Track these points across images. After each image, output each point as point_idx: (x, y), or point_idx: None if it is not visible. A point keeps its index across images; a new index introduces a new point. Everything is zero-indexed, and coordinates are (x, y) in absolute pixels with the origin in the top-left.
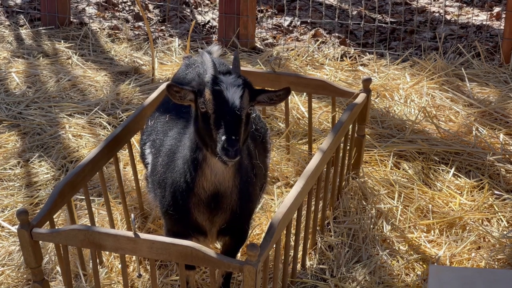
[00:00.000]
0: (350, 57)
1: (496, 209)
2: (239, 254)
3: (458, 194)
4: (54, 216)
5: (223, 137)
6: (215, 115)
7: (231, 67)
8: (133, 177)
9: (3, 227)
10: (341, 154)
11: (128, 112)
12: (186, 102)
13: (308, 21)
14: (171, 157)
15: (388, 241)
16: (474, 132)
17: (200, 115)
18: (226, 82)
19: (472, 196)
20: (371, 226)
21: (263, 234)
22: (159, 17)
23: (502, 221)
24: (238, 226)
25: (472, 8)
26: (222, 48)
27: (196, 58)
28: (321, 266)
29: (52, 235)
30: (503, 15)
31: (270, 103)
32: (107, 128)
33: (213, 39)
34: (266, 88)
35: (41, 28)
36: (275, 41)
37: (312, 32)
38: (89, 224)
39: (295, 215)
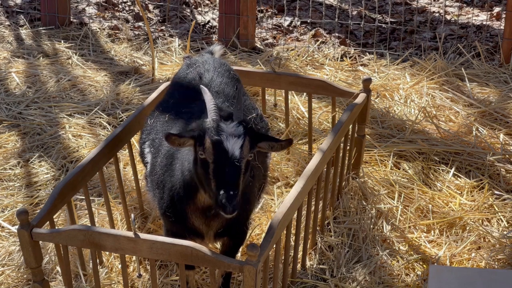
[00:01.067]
0: (350, 57)
1: (496, 209)
2: (239, 254)
3: (458, 194)
4: (54, 216)
5: (221, 192)
6: (214, 164)
7: (231, 69)
8: (133, 177)
9: (3, 227)
10: (341, 154)
11: (128, 112)
12: (186, 147)
13: (308, 21)
14: (170, 159)
15: (388, 241)
16: (474, 132)
17: (199, 161)
18: (227, 132)
19: (472, 196)
20: (371, 226)
21: (263, 234)
22: (159, 17)
23: (502, 221)
24: (236, 227)
25: (472, 8)
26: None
27: (197, 58)
28: (321, 266)
29: (52, 235)
30: (503, 15)
31: (271, 150)
32: (107, 128)
33: (213, 39)
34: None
35: (41, 28)
36: (275, 41)
37: (312, 32)
38: (89, 224)
39: (295, 215)
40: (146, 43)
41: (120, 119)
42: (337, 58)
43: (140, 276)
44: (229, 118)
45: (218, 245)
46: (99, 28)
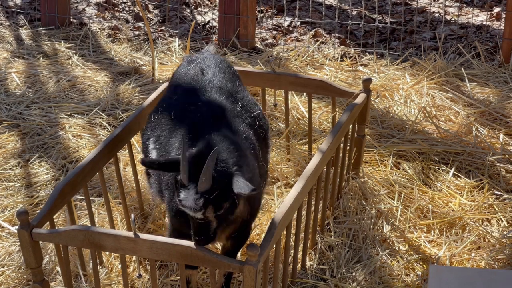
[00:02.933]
0: (350, 57)
1: (496, 209)
2: (239, 254)
3: (458, 194)
4: (54, 217)
5: (192, 234)
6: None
7: (231, 65)
8: (133, 177)
9: (3, 227)
10: (341, 154)
11: (128, 112)
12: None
13: (308, 21)
14: None
15: (388, 241)
16: (474, 132)
17: None
18: (187, 203)
19: (472, 196)
20: (371, 226)
21: (263, 234)
22: (159, 17)
23: (502, 221)
24: (246, 227)
25: (472, 8)
26: (217, 48)
27: (197, 55)
28: (321, 266)
29: (52, 236)
30: (503, 15)
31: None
32: (107, 128)
33: (213, 39)
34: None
35: (41, 28)
36: (275, 41)
37: (312, 32)
38: (89, 225)
39: (295, 215)
40: (146, 43)
41: (120, 119)
42: (337, 58)
43: (140, 276)
44: (194, 181)
45: (218, 245)
46: (99, 29)
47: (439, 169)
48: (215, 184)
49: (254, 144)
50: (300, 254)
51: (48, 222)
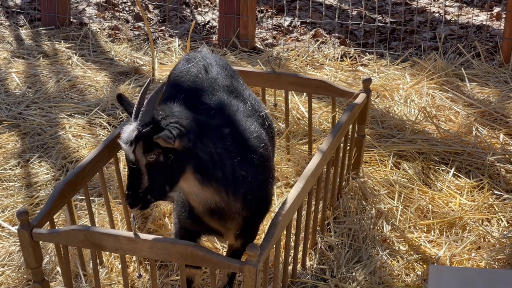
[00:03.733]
0: (350, 57)
1: (496, 209)
2: None
3: (458, 194)
4: (54, 217)
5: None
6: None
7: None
8: None
9: (3, 227)
10: (341, 154)
11: None
12: None
13: (308, 21)
14: None
15: (388, 241)
16: (474, 132)
17: None
18: (125, 134)
19: (472, 196)
20: (371, 226)
21: (263, 234)
22: (159, 17)
23: (502, 221)
24: (253, 227)
25: (472, 8)
26: (217, 47)
27: (195, 53)
28: (321, 266)
29: (52, 236)
30: (503, 15)
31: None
32: (107, 128)
33: (213, 39)
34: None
35: (41, 28)
36: (275, 41)
37: (312, 32)
38: (89, 225)
39: (295, 215)
40: (146, 43)
41: (120, 119)
42: (337, 58)
43: (140, 276)
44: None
45: (218, 245)
46: (99, 29)
47: (439, 169)
48: (153, 122)
49: (266, 144)
50: (300, 254)
51: (48, 222)
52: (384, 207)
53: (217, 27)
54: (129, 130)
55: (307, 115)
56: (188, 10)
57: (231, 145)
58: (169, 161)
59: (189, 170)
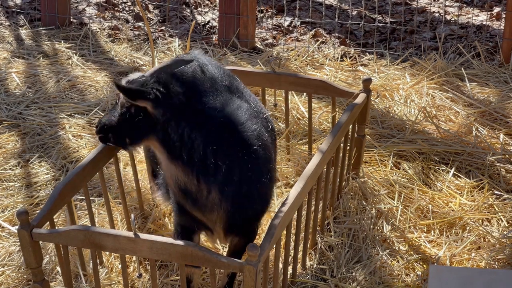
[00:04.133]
0: (350, 57)
1: (496, 209)
2: None
3: (458, 194)
4: (54, 217)
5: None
6: None
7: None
8: (133, 177)
9: (3, 227)
10: (341, 154)
11: None
12: None
13: (308, 21)
14: None
15: (388, 241)
16: (474, 132)
17: None
18: (123, 81)
19: (472, 196)
20: (371, 226)
21: (263, 234)
22: (159, 17)
23: (502, 221)
24: (245, 226)
25: (472, 8)
26: (217, 47)
27: (185, 54)
28: (321, 266)
29: (52, 236)
30: (503, 15)
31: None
32: None
33: (213, 39)
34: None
35: (41, 28)
36: (275, 41)
37: (312, 32)
38: (89, 225)
39: (295, 215)
40: (146, 43)
41: None
42: (337, 58)
43: (140, 276)
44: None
45: (219, 245)
46: (99, 28)
47: (439, 169)
48: (149, 78)
49: (265, 145)
50: (300, 254)
51: (48, 222)
52: (384, 207)
53: (217, 27)
54: (132, 77)
55: (307, 115)
56: (188, 10)
57: (216, 136)
58: (136, 118)
59: (154, 139)
